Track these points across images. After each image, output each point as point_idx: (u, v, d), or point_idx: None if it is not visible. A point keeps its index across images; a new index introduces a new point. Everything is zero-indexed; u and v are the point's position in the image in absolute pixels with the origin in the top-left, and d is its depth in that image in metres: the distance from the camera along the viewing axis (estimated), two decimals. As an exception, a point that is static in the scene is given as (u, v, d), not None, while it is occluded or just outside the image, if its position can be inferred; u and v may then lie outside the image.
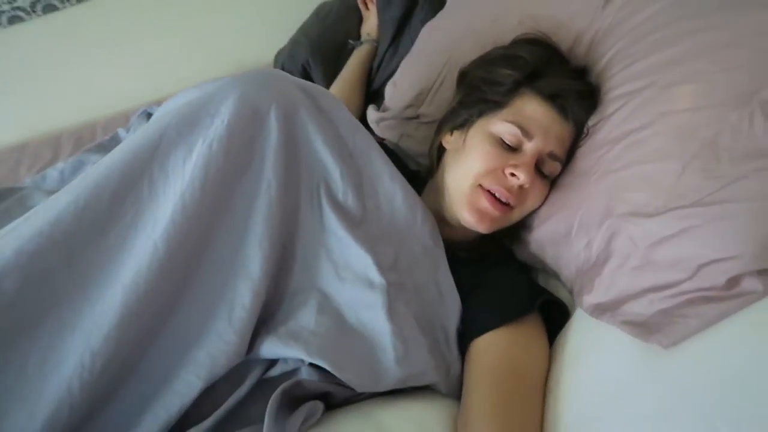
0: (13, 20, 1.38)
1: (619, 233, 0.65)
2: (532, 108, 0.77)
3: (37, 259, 0.59)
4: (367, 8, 1.34)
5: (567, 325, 0.72)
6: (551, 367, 0.70)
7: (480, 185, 0.77)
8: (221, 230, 0.67)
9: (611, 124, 0.73)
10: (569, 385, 0.65)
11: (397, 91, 1.05)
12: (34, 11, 1.38)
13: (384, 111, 1.06)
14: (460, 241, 0.83)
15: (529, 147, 0.76)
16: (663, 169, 0.63)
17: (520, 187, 0.76)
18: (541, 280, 0.84)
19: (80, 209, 0.62)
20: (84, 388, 0.57)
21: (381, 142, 1.06)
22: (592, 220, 0.69)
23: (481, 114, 0.80)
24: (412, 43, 1.13)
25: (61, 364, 0.58)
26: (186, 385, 0.61)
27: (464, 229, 0.80)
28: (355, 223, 0.73)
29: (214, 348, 0.63)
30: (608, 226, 0.66)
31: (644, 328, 0.57)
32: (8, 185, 1.06)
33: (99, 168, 0.65)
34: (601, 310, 0.64)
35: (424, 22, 1.13)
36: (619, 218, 0.65)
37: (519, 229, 0.83)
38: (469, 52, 0.92)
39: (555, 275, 0.79)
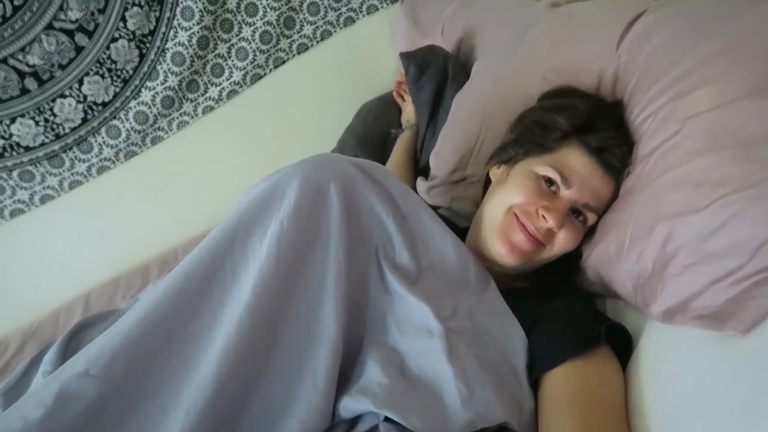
0: (101, 170, 1.58)
1: (671, 236, 0.66)
2: (575, 158, 0.82)
3: (141, 342, 0.65)
4: (403, 99, 1.46)
5: (637, 347, 0.71)
6: (629, 391, 0.68)
7: (515, 213, 0.81)
8: (298, 298, 0.71)
9: (644, 143, 0.77)
10: (651, 402, 0.63)
11: (441, 159, 1.12)
12: (117, 159, 1.58)
13: (432, 180, 1.13)
14: (511, 274, 0.84)
15: (566, 194, 0.80)
16: (699, 166, 0.65)
17: (549, 229, 0.79)
18: (610, 305, 0.83)
19: (175, 294, 0.69)
20: None
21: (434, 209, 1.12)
22: (642, 231, 0.70)
23: (527, 153, 0.86)
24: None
25: None
26: None
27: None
28: (411, 281, 0.76)
29: (305, 414, 0.65)
30: (658, 232, 0.67)
31: (716, 319, 0.57)
32: (110, 309, 1.17)
33: (190, 256, 0.73)
34: (670, 315, 0.64)
35: (454, 97, 1.22)
36: (667, 221, 0.67)
37: (574, 258, 0.84)
38: (499, 111, 0.99)
39: (618, 297, 0.79)
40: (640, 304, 0.70)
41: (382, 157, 1.39)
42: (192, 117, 1.60)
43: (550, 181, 0.82)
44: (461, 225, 1.07)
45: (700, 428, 0.54)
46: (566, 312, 0.76)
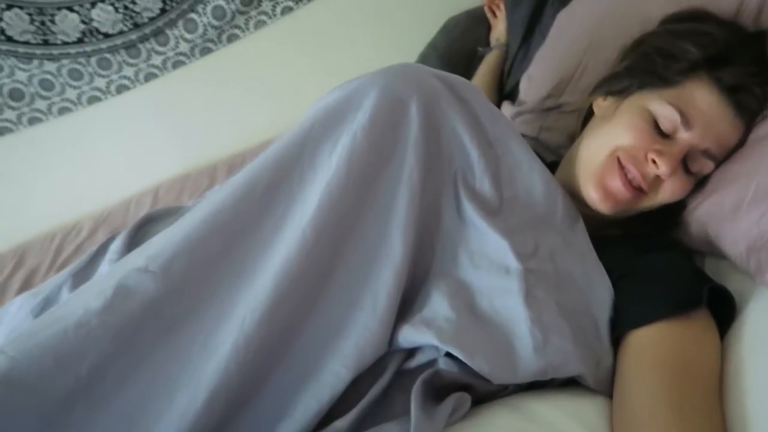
0: (176, 65, 1.56)
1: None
2: (702, 96, 0.70)
3: (201, 245, 0.63)
4: (494, 15, 1.33)
5: (740, 316, 0.63)
6: (727, 363, 0.61)
7: (618, 158, 0.72)
8: (365, 217, 0.68)
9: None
10: (750, 380, 0.56)
11: (534, 83, 1.02)
12: (192, 55, 1.55)
13: (520, 105, 1.03)
14: (603, 219, 0.76)
15: (684, 137, 0.69)
16: None
17: (657, 176, 0.69)
18: (710, 264, 0.75)
19: (237, 201, 0.66)
20: (240, 371, 0.58)
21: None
22: (770, 187, 0.60)
23: (642, 86, 0.75)
24: (544, 39, 1.09)
25: (219, 348, 0.59)
26: (335, 376, 0.61)
27: None
28: (491, 212, 0.70)
29: (361, 338, 0.63)
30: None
31: None
32: (177, 206, 1.17)
33: (255, 163, 0.69)
34: (791, 286, 0.55)
35: (555, 17, 1.09)
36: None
37: (677, 210, 0.75)
38: (610, 36, 0.87)
39: (723, 257, 0.69)
40: (753, 269, 0.62)
41: (466, 77, 1.27)
42: (270, 17, 1.54)
43: (666, 123, 0.71)
44: (548, 159, 0.98)
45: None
46: (662, 268, 0.68)
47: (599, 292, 0.68)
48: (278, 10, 1.53)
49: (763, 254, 0.60)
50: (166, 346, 0.60)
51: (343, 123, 0.69)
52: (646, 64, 0.75)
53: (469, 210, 0.70)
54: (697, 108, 0.69)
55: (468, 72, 1.30)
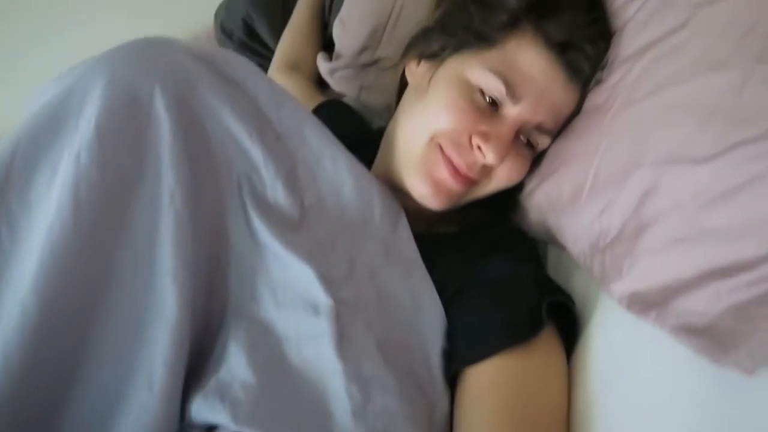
0: None
1: (654, 191, 0.45)
2: (529, 58, 0.57)
3: None
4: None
5: (589, 326, 0.54)
6: (575, 389, 0.52)
7: (439, 145, 0.58)
8: (119, 268, 0.51)
9: (627, 36, 0.52)
10: (600, 415, 0.48)
11: (347, 30, 0.83)
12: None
13: (337, 59, 0.85)
14: (432, 214, 0.64)
15: (512, 113, 0.57)
16: (712, 85, 0.42)
17: (486, 165, 0.58)
18: (552, 255, 0.64)
19: None
20: None
21: (340, 100, 0.87)
22: (612, 174, 0.49)
23: (459, 47, 0.60)
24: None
25: None
26: None
27: None
28: (291, 227, 0.56)
29: (138, 422, 0.49)
30: (636, 181, 0.46)
31: (712, 340, 0.38)
32: None
33: None
34: (642, 305, 0.44)
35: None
36: (652, 168, 0.45)
37: (514, 192, 0.63)
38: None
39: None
40: (597, 273, 0.51)
41: (283, 17, 1.07)
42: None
43: (489, 96, 0.57)
44: (375, 123, 0.82)
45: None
46: (501, 278, 0.57)
47: (429, 315, 0.57)
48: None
49: (609, 258, 0.49)
50: None
51: (61, 137, 0.51)
52: (462, 17, 0.60)
53: (262, 230, 0.55)
54: (525, 74, 0.56)
55: (284, 11, 1.08)
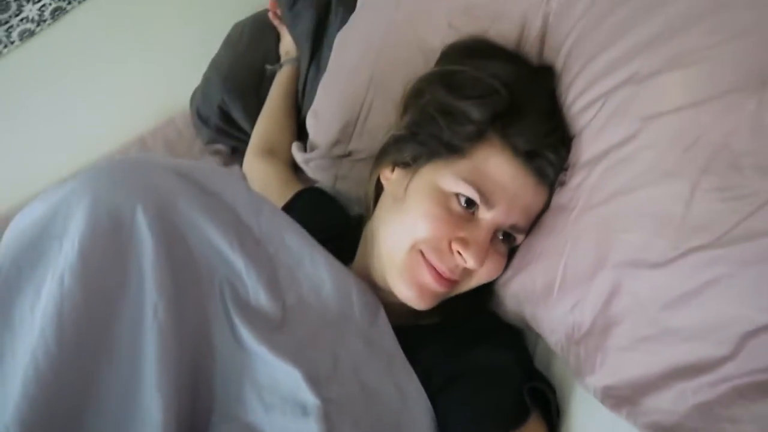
0: None
1: (618, 292, 0.47)
2: (499, 166, 0.59)
3: None
4: (282, 22, 1.15)
5: (570, 409, 0.56)
6: None
7: (420, 251, 0.61)
8: (103, 384, 0.51)
9: (585, 142, 0.55)
10: None
11: (321, 123, 0.86)
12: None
13: (311, 149, 0.88)
14: (409, 309, 0.65)
15: (487, 218, 0.59)
16: (663, 195, 0.45)
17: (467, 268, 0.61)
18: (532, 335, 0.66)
19: None
20: None
21: (317, 188, 0.89)
22: (580, 273, 0.51)
23: (431, 157, 0.62)
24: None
25: None
26: None
27: None
28: (274, 328, 0.56)
29: None
30: (602, 281, 0.49)
31: (681, 439, 0.40)
32: None
33: None
34: (615, 400, 0.46)
35: (341, 27, 0.94)
36: (614, 270, 0.48)
37: (492, 282, 0.65)
38: (391, 69, 0.75)
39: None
40: (572, 365, 0.53)
41: (258, 102, 1.11)
42: (6, 45, 1.22)
43: (464, 202, 0.60)
44: (352, 211, 0.84)
45: None
46: (489, 368, 0.59)
47: (417, 404, 0.58)
48: (14, 35, 1.22)
49: (582, 350, 0.51)
50: None
51: (45, 259, 0.51)
52: (431, 128, 0.63)
53: (246, 334, 0.55)
54: (497, 182, 0.59)
55: (258, 94, 1.12)
